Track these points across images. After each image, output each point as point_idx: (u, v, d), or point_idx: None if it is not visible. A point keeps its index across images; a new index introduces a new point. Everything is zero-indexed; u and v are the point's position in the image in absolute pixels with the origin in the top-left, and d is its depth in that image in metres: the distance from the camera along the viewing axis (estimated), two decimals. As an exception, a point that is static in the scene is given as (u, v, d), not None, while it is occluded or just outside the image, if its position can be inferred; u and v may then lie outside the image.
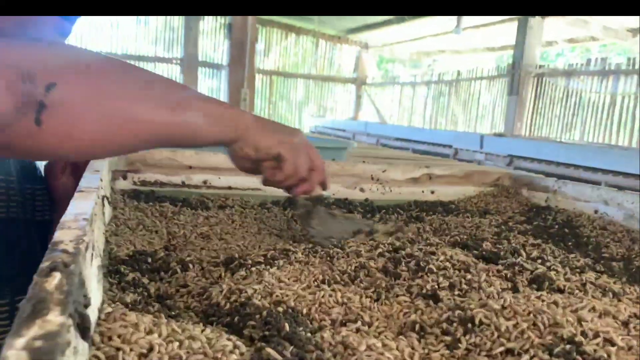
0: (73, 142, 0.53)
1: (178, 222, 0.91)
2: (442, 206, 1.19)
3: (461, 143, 5.23)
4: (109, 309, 0.49)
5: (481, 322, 0.53)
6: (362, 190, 1.25)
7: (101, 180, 0.67)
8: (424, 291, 0.62)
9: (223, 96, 6.99)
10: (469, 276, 0.67)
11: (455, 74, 8.30)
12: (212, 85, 8.78)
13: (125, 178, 1.08)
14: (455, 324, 0.53)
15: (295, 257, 0.73)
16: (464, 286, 0.63)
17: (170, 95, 0.62)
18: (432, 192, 1.30)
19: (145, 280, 0.66)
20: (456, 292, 0.62)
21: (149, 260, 0.72)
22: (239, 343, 0.48)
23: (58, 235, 0.39)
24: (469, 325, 0.53)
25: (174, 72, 8.30)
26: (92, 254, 0.44)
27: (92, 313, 0.41)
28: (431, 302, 0.60)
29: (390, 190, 1.27)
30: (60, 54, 0.54)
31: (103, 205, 0.68)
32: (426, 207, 1.17)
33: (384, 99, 10.01)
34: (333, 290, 0.62)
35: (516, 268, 0.70)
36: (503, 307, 0.55)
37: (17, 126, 0.49)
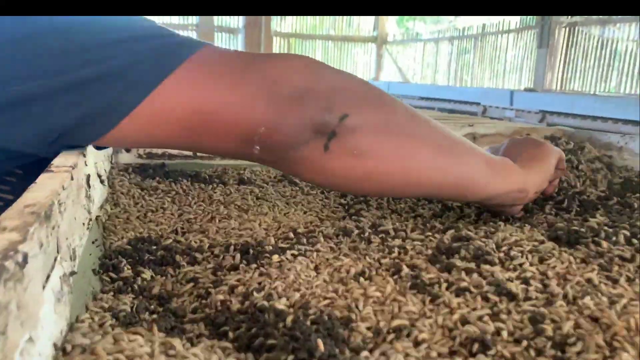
0: (356, 173, 0.55)
1: (189, 201, 0.78)
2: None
3: (489, 100, 4.98)
4: (86, 330, 0.36)
5: (579, 338, 0.39)
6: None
7: (84, 155, 0.54)
8: (490, 288, 0.48)
9: (240, 61, 6.84)
10: (550, 266, 0.52)
11: (480, 28, 7.94)
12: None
13: (128, 150, 0.95)
14: (545, 339, 0.39)
15: (322, 242, 0.59)
16: (547, 281, 0.49)
17: (454, 142, 0.60)
18: (476, 154, 1.14)
19: (146, 276, 0.54)
20: (535, 289, 0.48)
21: (153, 249, 0.60)
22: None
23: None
24: (566, 342, 0.39)
25: (189, 39, 8.14)
26: (45, 264, 0.31)
27: (44, 353, 0.28)
28: (503, 303, 0.46)
29: (429, 154, 1.12)
30: (354, 85, 0.56)
31: (88, 186, 0.55)
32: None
33: (405, 57, 9.70)
34: (371, 286, 0.48)
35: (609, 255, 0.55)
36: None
37: (306, 149, 0.53)
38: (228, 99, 0.50)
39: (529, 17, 6.93)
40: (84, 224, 0.48)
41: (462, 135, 1.15)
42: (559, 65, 6.24)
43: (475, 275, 0.49)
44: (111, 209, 0.70)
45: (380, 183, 0.57)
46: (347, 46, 9.65)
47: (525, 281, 0.49)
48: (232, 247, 0.59)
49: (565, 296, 0.45)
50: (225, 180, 0.90)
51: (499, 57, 7.61)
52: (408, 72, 9.50)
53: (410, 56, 9.62)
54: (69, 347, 0.32)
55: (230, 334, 0.40)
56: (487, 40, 7.82)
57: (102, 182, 0.68)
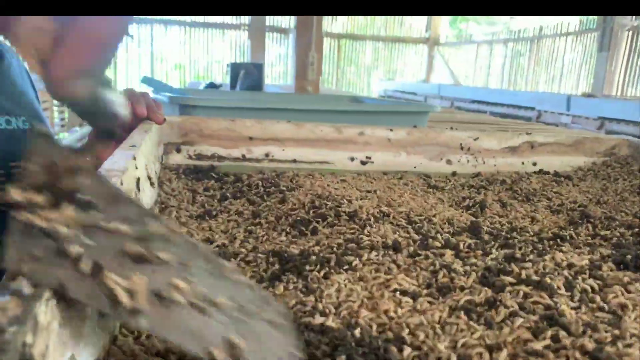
0: None
1: (236, 207, 0.77)
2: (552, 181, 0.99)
3: (545, 105, 4.83)
4: (129, 342, 0.35)
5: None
6: (449, 162, 1.06)
7: (134, 158, 0.54)
8: (550, 312, 0.44)
9: (290, 62, 6.91)
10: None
11: (537, 30, 7.70)
12: (280, 50, 8.67)
13: (179, 151, 0.96)
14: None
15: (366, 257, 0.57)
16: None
17: None
18: (534, 164, 1.09)
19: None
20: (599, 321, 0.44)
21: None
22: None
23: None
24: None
25: (242, 38, 8.25)
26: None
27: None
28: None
29: (484, 162, 1.08)
30: None
31: (138, 189, 0.54)
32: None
33: (457, 59, 9.52)
34: (422, 307, 0.45)
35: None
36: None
37: None
38: None
39: (589, 19, 6.67)
40: (132, 229, 0.48)
41: (518, 145, 1.11)
42: (620, 69, 5.97)
43: (535, 297, 0.46)
44: (160, 211, 0.70)
45: None
46: (398, 47, 9.56)
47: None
48: (270, 256, 0.57)
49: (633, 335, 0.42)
50: (279, 185, 0.89)
51: (555, 61, 7.36)
52: (460, 75, 9.32)
53: (463, 58, 9.44)
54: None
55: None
56: (543, 42, 7.58)
57: (152, 184, 0.68)
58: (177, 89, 2.05)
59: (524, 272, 0.51)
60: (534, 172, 1.07)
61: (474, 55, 9.08)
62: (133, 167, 0.53)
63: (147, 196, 0.63)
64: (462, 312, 0.44)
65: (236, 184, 0.88)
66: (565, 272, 0.52)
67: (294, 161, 0.99)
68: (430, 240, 0.61)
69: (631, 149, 1.13)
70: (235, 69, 3.75)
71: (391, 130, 1.04)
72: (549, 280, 0.49)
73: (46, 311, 0.22)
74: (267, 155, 0.98)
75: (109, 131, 0.70)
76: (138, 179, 0.55)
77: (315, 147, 1.00)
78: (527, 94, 5.56)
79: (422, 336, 0.40)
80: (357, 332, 0.41)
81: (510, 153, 1.09)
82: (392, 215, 0.72)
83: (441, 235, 0.64)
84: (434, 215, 0.74)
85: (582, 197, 0.94)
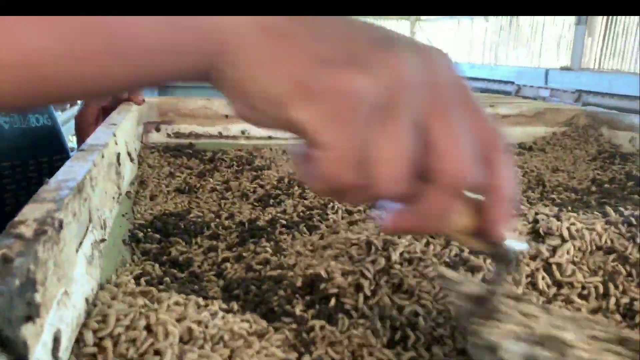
0: None
1: (212, 182, 0.82)
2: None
3: (524, 79, 4.91)
4: (114, 290, 0.41)
5: None
6: (417, 135, 1.12)
7: (115, 135, 0.59)
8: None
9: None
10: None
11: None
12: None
13: (158, 130, 1.01)
14: None
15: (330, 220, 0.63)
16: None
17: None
18: (497, 135, 1.16)
19: (171, 246, 0.59)
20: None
21: (178, 222, 0.64)
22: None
23: (22, 212, 0.30)
24: None
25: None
26: (78, 231, 0.35)
27: (77, 305, 0.33)
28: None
29: (449, 134, 1.14)
30: None
31: (119, 164, 0.59)
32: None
33: (439, 35, 9.55)
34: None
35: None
36: None
37: None
38: None
39: (567, -8, 6.70)
40: (113, 197, 0.53)
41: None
42: (597, 43, 6.06)
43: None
44: (140, 185, 0.75)
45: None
46: (380, 23, 9.55)
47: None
48: (243, 224, 0.63)
49: None
50: (251, 161, 0.94)
51: (535, 35, 7.42)
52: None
53: (445, 34, 9.46)
54: (98, 303, 0.36)
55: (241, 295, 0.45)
56: (523, 17, 7.63)
57: (131, 160, 0.73)
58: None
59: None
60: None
61: (456, 31, 9.12)
62: (113, 143, 0.58)
63: (128, 170, 0.68)
64: (402, 263, 0.50)
65: (213, 160, 0.93)
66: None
67: (269, 138, 1.04)
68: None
69: (589, 119, 1.19)
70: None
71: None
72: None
73: (44, 250, 0.27)
74: (243, 132, 1.03)
75: None
76: (118, 154, 0.60)
77: (289, 124, 1.05)
78: (506, 69, 5.62)
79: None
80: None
81: (475, 125, 1.15)
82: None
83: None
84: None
85: (540, 165, 1.01)
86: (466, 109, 0.30)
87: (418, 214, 0.30)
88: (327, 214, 0.66)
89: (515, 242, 0.34)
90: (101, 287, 0.39)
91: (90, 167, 0.43)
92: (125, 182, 0.64)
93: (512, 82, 4.94)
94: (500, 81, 5.16)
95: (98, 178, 0.45)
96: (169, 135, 1.01)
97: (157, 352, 0.33)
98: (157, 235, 0.60)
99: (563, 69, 5.10)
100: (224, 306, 0.43)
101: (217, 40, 0.29)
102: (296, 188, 0.78)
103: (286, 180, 0.81)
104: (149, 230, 0.61)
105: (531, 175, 0.92)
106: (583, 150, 1.09)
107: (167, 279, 0.49)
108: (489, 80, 5.32)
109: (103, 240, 0.42)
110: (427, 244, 0.51)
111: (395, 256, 0.48)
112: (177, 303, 0.40)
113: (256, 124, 0.31)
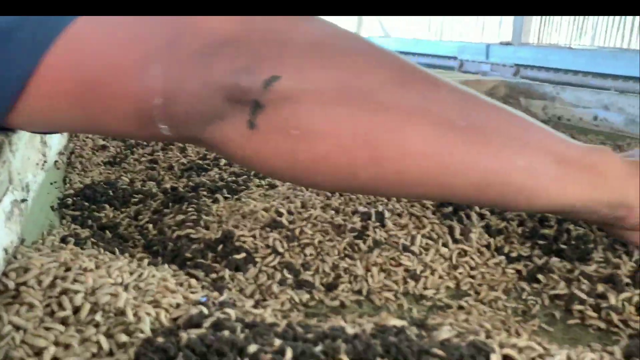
0: (299, 160, 0.37)
1: (139, 155, 0.85)
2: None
3: (466, 54, 5.02)
4: (38, 246, 0.44)
5: None
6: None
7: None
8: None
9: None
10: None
11: (461, -20, 7.87)
12: None
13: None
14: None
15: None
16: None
17: (492, 122, 0.39)
18: (423, 106, 1.22)
19: (98, 211, 0.62)
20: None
21: (107, 191, 0.68)
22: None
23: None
24: None
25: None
26: (-4, 190, 0.39)
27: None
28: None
29: (378, 106, 1.20)
30: (292, 28, 0.37)
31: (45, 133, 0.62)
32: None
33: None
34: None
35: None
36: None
37: (226, 126, 0.37)
38: (115, 62, 0.36)
39: (509, -31, 6.87)
40: (37, 164, 0.56)
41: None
42: (536, 18, 6.26)
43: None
44: (71, 156, 0.77)
45: (338, 176, 0.38)
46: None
47: None
48: (167, 191, 0.67)
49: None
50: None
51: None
52: (390, 27, 9.44)
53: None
54: (19, 256, 0.40)
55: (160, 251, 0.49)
56: (467, -7, 7.77)
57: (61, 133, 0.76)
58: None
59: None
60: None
61: (403, 7, 9.20)
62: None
63: (55, 142, 0.71)
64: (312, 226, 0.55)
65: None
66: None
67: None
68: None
69: (508, 89, 1.28)
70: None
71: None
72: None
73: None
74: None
75: None
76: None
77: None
78: (449, 44, 5.71)
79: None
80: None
81: (402, 96, 1.21)
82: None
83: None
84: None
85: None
86: None
87: None
88: (250, 180, 0.71)
89: None
90: (22, 242, 0.43)
91: (10, 133, 0.45)
92: (52, 151, 0.66)
93: (455, 58, 5.05)
94: (444, 57, 5.26)
95: (19, 144, 0.48)
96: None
97: (73, 292, 0.37)
98: (86, 203, 0.63)
99: (503, 43, 5.25)
100: (144, 256, 0.47)
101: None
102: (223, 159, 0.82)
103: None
104: (79, 197, 0.64)
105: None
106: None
107: (93, 239, 0.53)
108: (434, 56, 5.42)
109: (24, 200, 0.46)
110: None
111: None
112: (96, 256, 0.44)
113: None
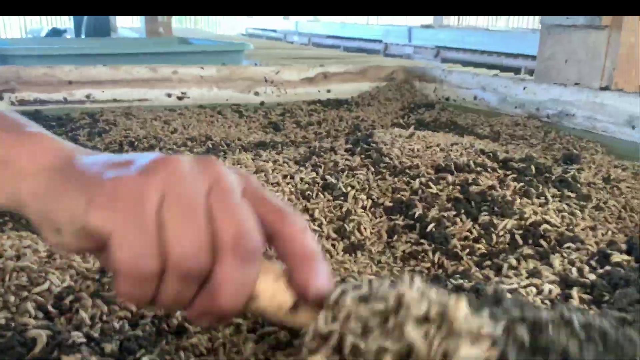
0: None
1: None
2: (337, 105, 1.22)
3: (391, 37, 5.18)
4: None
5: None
6: (256, 93, 1.25)
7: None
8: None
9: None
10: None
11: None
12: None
13: (1, 98, 1.05)
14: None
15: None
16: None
17: None
18: (329, 91, 1.32)
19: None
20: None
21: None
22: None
23: None
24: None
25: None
26: None
27: None
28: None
29: (286, 92, 1.28)
30: None
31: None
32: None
33: (316, -5, 9.65)
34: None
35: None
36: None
37: None
38: None
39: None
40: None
41: (314, 75, 1.32)
42: (456, 1, 6.49)
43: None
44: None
45: None
46: None
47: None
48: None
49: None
50: (96, 127, 1.02)
51: (404, -6, 7.75)
52: (319, 10, 9.48)
53: (321, -7, 9.57)
54: None
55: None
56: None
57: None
58: None
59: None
60: (329, 100, 1.29)
61: (331, -10, 9.27)
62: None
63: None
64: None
65: (61, 126, 1.00)
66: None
67: (115, 100, 1.12)
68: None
69: (406, 74, 1.39)
70: (78, 12, 3.60)
71: (202, 68, 1.19)
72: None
73: None
74: (88, 97, 1.10)
75: None
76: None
77: (134, 87, 1.13)
78: (375, 28, 5.88)
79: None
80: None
81: (308, 83, 1.30)
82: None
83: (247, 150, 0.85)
84: (239, 139, 0.95)
85: (363, 116, 1.18)
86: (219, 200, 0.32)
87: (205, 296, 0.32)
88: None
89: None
90: None
91: None
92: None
93: (381, 41, 5.21)
94: (371, 40, 5.41)
95: None
96: (12, 103, 1.05)
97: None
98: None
99: (424, 26, 5.45)
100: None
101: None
102: (144, 144, 0.89)
103: (131, 138, 0.91)
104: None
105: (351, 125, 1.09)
106: (399, 102, 1.28)
107: (10, 224, 0.59)
108: (360, 40, 5.55)
109: None
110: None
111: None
112: (9, 237, 0.50)
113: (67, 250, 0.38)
